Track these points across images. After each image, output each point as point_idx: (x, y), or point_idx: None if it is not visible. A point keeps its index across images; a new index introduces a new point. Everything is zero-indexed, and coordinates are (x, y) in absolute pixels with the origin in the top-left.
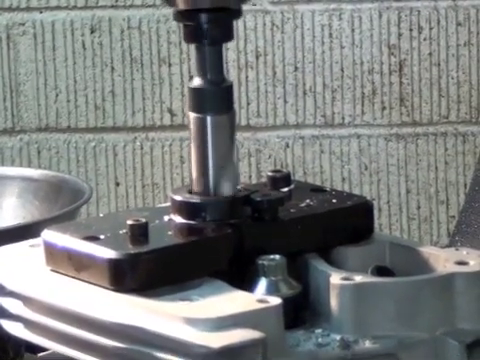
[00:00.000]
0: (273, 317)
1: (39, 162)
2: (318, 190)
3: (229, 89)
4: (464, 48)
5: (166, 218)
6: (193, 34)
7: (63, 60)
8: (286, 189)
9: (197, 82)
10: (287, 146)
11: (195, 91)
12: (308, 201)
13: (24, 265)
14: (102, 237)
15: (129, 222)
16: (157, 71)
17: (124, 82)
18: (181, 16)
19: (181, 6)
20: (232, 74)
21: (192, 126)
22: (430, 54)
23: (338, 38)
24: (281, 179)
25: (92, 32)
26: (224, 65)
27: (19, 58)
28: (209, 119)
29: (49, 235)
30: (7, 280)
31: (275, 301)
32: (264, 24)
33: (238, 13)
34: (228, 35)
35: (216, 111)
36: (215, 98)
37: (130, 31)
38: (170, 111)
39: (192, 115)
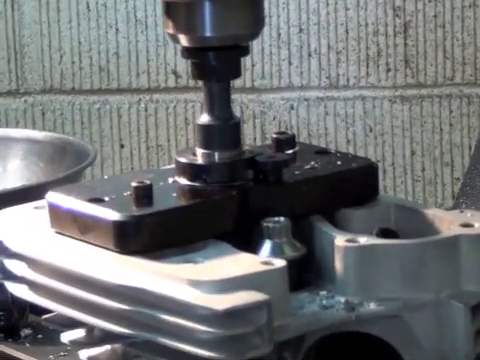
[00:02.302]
0: (277, 279)
1: (43, 124)
2: (323, 152)
3: (236, 126)
4: (469, 10)
5: (170, 180)
6: (201, 71)
7: (67, 21)
8: (291, 151)
9: (205, 119)
10: (292, 108)
11: (203, 128)
12: (313, 163)
13: (28, 227)
14: (106, 199)
15: (133, 184)
16: (162, 33)
17: (128, 44)
18: (188, 53)
19: (189, 44)
20: None
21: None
22: (435, 16)
23: (343, 0)
24: (286, 141)
25: None
26: (231, 102)
27: (23, 20)
28: (216, 155)
29: (53, 197)
30: (11, 242)
31: (280, 263)
32: None
33: (246, 50)
34: (236, 72)
35: (224, 148)
36: (222, 135)
37: None
38: (175, 73)
39: (199, 151)
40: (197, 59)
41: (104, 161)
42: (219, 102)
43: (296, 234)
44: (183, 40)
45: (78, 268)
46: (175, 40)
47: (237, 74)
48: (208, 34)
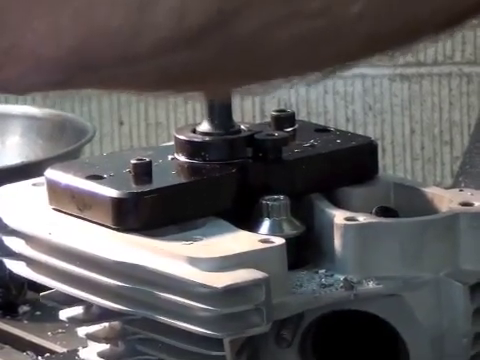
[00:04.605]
0: (276, 257)
1: (43, 101)
2: (322, 130)
3: (237, 133)
4: None
5: (170, 157)
6: None
7: None
8: (290, 129)
9: (205, 127)
10: (291, 86)
11: (203, 136)
12: (312, 141)
13: (27, 204)
14: (105, 176)
15: (133, 161)
16: None
17: None
18: None
19: None
20: None
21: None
22: None
23: None
24: (285, 119)
25: None
26: (233, 111)
27: None
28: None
29: (52, 174)
30: (10, 218)
31: (278, 241)
32: None
33: None
34: None
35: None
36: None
37: None
38: None
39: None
40: None
41: (103, 138)
42: (220, 110)
43: (295, 212)
44: None
45: (76, 245)
46: None
47: None
48: None
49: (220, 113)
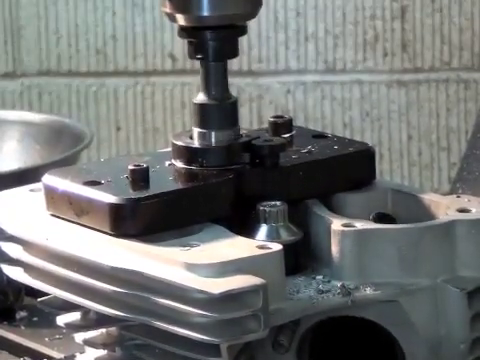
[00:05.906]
0: (274, 263)
1: (40, 106)
2: (320, 136)
3: (233, 105)
4: None
5: (167, 163)
6: (197, 51)
7: (64, 4)
8: (287, 135)
9: (201, 98)
10: (288, 92)
11: (199, 106)
12: (310, 147)
13: (24, 209)
14: (103, 182)
15: (130, 167)
16: (159, 16)
17: (126, 26)
18: (185, 33)
19: (186, 24)
20: None
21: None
22: (432, 0)
23: None
24: (283, 125)
25: None
26: (228, 81)
27: (20, 1)
28: (213, 139)
29: (50, 180)
30: (7, 224)
31: (276, 247)
32: None
33: (243, 30)
34: (233, 52)
35: (220, 127)
36: (219, 114)
37: None
38: (171, 56)
39: (196, 130)
40: (194, 39)
41: (100, 144)
42: (215, 82)
43: (292, 218)
44: (180, 19)
45: (74, 251)
46: (172, 19)
47: (234, 54)
48: (205, 14)
49: (216, 84)
